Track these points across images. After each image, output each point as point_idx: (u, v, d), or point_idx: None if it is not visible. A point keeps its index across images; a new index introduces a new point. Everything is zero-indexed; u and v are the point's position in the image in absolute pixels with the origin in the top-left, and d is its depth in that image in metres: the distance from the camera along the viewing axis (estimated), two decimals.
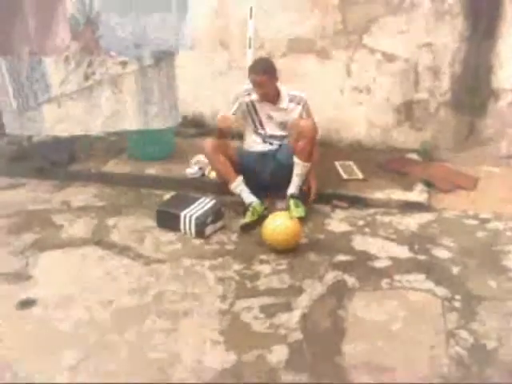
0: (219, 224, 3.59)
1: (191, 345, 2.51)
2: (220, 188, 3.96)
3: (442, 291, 2.91)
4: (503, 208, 3.88)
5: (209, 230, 3.50)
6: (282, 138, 3.90)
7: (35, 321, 2.69)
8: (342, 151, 4.83)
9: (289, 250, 3.30)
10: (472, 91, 4.64)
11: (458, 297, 2.86)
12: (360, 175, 4.31)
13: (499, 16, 4.40)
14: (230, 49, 5.02)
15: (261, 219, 3.54)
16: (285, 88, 3.84)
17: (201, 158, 4.29)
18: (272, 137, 3.91)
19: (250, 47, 4.32)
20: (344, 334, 2.58)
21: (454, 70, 4.64)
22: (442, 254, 3.31)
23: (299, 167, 3.72)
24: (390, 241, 3.47)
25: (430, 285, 2.98)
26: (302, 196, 3.82)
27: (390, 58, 4.72)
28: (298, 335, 2.57)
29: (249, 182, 3.80)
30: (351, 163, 4.52)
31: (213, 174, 4.14)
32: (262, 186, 3.87)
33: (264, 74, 3.66)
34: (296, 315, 2.71)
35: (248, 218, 3.63)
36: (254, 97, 3.79)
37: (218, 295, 2.89)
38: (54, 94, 4.16)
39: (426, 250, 3.34)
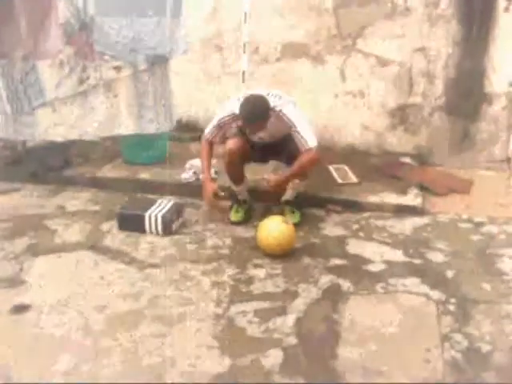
0: (181, 220, 3.76)
1: (186, 349, 2.50)
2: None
3: (436, 295, 2.92)
4: (497, 212, 3.90)
5: (174, 226, 3.66)
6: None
7: (29, 326, 2.67)
8: (337, 155, 4.82)
9: (283, 255, 3.30)
10: (466, 95, 4.66)
11: (452, 300, 2.87)
12: (354, 179, 4.32)
13: (492, 20, 4.44)
14: (224, 53, 5.03)
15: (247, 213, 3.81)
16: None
17: (194, 162, 4.29)
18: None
19: (244, 52, 4.32)
20: (339, 338, 2.58)
21: (447, 75, 4.66)
22: (436, 257, 3.32)
23: (295, 183, 3.67)
24: (385, 245, 3.48)
25: (424, 288, 2.98)
26: (297, 202, 3.82)
27: (384, 62, 4.74)
28: (292, 339, 2.57)
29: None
30: (345, 167, 4.53)
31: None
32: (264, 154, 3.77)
33: (257, 120, 3.38)
34: (291, 319, 2.71)
35: (234, 217, 3.77)
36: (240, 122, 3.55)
37: (213, 300, 2.88)
38: (48, 99, 4.14)
39: (420, 254, 3.35)
